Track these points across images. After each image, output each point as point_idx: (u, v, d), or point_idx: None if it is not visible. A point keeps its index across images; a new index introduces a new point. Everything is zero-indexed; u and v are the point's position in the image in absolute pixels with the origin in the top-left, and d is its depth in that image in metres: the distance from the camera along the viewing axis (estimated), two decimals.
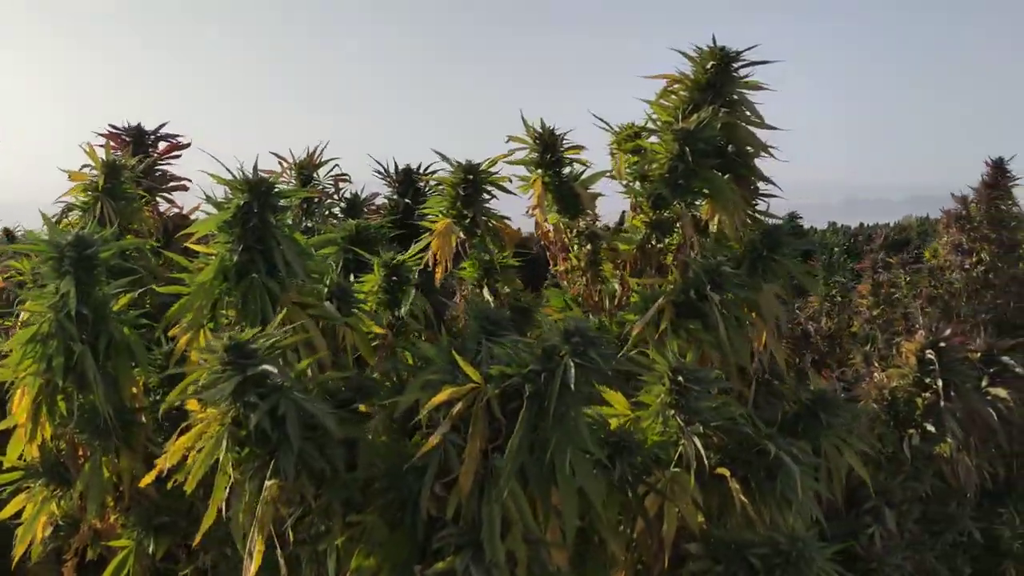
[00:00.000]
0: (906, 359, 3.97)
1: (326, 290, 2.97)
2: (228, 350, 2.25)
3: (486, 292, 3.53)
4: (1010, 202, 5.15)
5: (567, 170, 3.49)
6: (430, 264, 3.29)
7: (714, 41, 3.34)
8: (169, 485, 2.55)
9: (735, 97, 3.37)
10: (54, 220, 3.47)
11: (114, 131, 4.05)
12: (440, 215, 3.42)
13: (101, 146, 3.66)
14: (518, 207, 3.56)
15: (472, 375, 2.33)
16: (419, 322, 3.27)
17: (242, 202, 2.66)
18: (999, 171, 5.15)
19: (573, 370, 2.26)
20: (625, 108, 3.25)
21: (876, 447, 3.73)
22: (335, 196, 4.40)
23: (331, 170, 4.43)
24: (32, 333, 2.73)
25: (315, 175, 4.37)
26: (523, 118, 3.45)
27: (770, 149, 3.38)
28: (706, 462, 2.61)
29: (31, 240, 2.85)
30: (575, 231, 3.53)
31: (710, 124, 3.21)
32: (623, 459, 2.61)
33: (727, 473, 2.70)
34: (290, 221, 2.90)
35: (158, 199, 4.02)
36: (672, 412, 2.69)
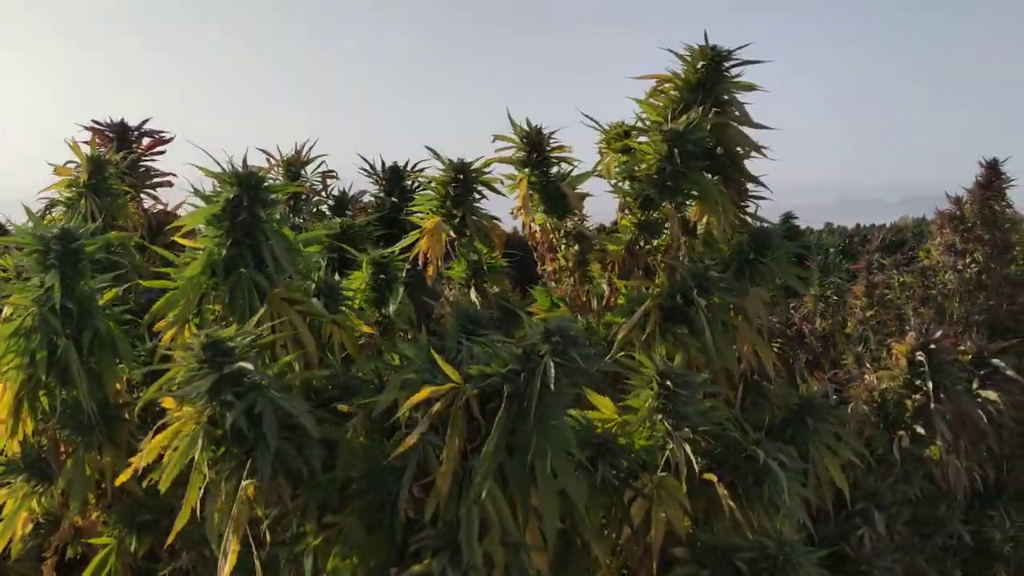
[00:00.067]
0: (896, 361, 3.95)
1: (313, 287, 2.95)
2: (205, 347, 2.23)
3: (473, 292, 3.51)
4: (1004, 203, 5.13)
5: (555, 170, 3.46)
6: (420, 262, 3.27)
7: (706, 39, 3.31)
8: (145, 484, 2.54)
9: (725, 97, 3.34)
10: (38, 216, 3.45)
11: (97, 127, 4.02)
12: (429, 213, 3.40)
13: (86, 142, 3.64)
14: (509, 207, 3.54)
15: (451, 374, 2.32)
16: (406, 321, 3.25)
17: (231, 195, 2.63)
18: (993, 172, 5.13)
19: (553, 370, 2.24)
20: (624, 107, 3.27)
21: (865, 451, 3.71)
22: (323, 193, 4.38)
23: (318, 167, 4.41)
24: (15, 327, 2.72)
25: (303, 172, 4.34)
26: (509, 116, 3.43)
27: (763, 149, 3.36)
28: (695, 467, 2.60)
29: (18, 233, 2.83)
30: (563, 231, 3.51)
31: (699, 125, 3.19)
32: (605, 460, 2.59)
33: (714, 478, 2.68)
34: (278, 217, 2.88)
35: (142, 195, 3.99)
36: (660, 416, 2.67)
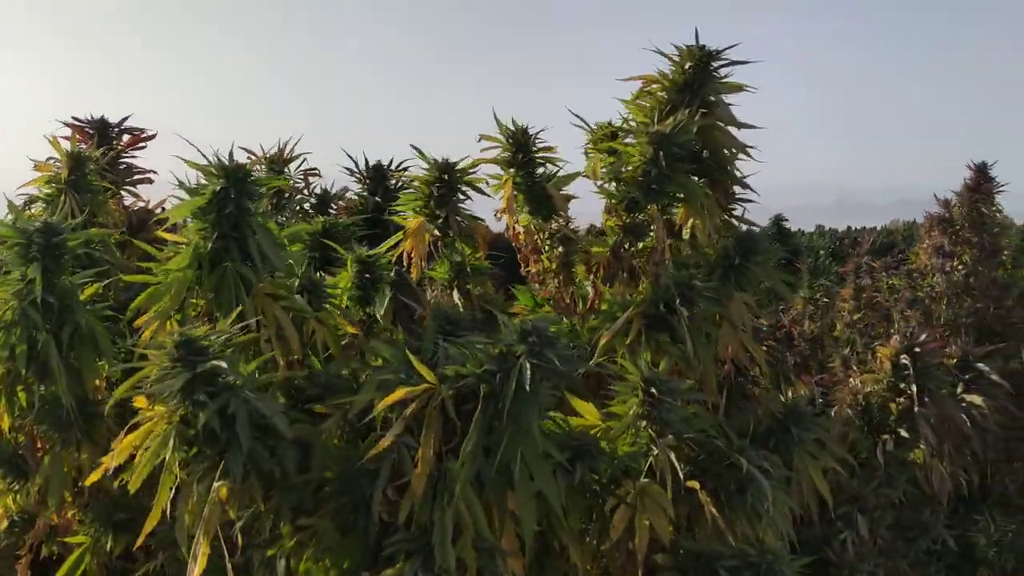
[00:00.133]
0: (881, 364, 3.94)
1: (297, 283, 2.92)
2: (178, 346, 2.20)
3: (455, 294, 3.48)
4: (993, 207, 5.13)
5: (541, 170, 3.42)
6: (404, 262, 3.24)
7: (696, 39, 3.25)
8: (117, 484, 2.51)
9: (712, 98, 3.30)
10: (19, 211, 3.41)
11: (77, 123, 3.99)
12: (412, 213, 3.37)
13: (66, 138, 3.61)
14: (495, 208, 3.50)
15: (426, 375, 2.29)
16: (390, 322, 3.22)
17: (218, 188, 2.59)
18: (981, 175, 5.14)
19: (529, 370, 2.22)
20: (618, 108, 3.24)
21: (848, 456, 3.70)
22: (306, 191, 4.34)
23: (300, 164, 4.37)
24: None
25: (286, 169, 4.30)
26: (495, 116, 3.39)
27: (752, 150, 3.31)
28: (680, 474, 2.58)
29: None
30: (547, 233, 3.47)
31: (685, 128, 3.14)
32: (584, 463, 2.57)
33: (697, 486, 2.66)
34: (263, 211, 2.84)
35: (123, 192, 3.96)
36: (644, 423, 2.65)
